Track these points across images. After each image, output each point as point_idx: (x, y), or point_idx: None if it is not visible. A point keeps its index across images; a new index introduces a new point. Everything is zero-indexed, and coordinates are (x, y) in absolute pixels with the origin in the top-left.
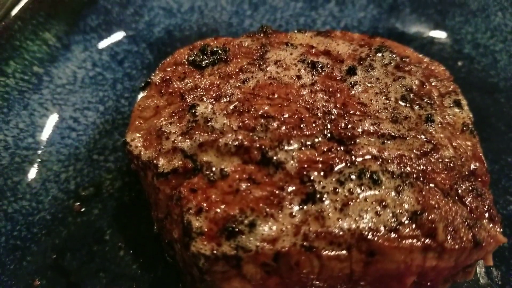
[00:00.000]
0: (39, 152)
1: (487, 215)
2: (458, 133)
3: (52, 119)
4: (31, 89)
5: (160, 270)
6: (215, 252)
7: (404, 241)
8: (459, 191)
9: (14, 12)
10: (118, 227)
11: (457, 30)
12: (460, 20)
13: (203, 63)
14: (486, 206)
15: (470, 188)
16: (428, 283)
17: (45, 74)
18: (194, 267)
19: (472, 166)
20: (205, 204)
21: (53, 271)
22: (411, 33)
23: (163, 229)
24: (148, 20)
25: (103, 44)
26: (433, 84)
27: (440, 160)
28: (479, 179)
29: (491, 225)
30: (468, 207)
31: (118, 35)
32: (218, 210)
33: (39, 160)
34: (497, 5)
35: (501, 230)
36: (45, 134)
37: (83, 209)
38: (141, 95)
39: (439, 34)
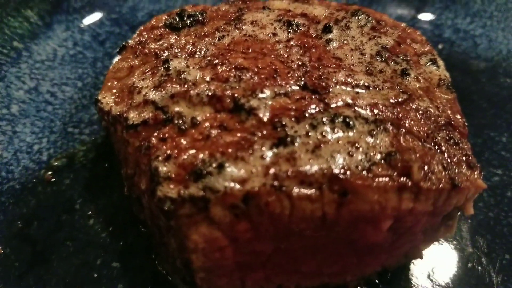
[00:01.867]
0: (13, 123)
1: (465, 162)
2: (434, 88)
3: (29, 93)
4: (9, 63)
5: (131, 238)
6: (182, 194)
7: (377, 180)
8: (436, 139)
9: None
10: (89, 197)
11: (438, 15)
12: (440, 6)
13: (179, 25)
14: (465, 154)
15: (447, 137)
16: (407, 233)
17: (25, 50)
18: (160, 218)
19: (449, 118)
20: (174, 151)
21: (19, 240)
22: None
23: (132, 186)
24: (132, 5)
25: (85, 25)
26: (409, 44)
27: (415, 109)
28: (457, 131)
29: (469, 172)
30: (446, 154)
31: (101, 18)
32: (187, 155)
33: (12, 131)
34: (472, 16)
35: (481, 177)
36: (20, 106)
37: (54, 179)
38: (116, 59)
39: (419, 20)
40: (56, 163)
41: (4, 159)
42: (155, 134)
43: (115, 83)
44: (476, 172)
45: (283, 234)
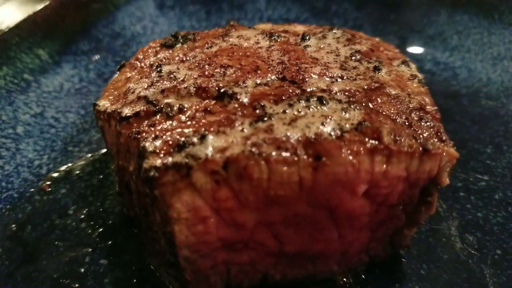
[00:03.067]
0: (17, 142)
1: (437, 136)
2: (406, 82)
3: (34, 117)
4: (19, 91)
5: (121, 238)
6: (165, 162)
7: (349, 143)
8: (407, 118)
9: (13, 28)
10: (83, 204)
11: (418, 53)
12: (419, 44)
13: (174, 43)
14: (436, 132)
15: (419, 118)
16: (385, 204)
17: (34, 82)
18: (146, 194)
19: (421, 104)
20: (161, 132)
21: (11, 241)
22: None
23: (123, 177)
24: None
25: (91, 65)
26: (382, 51)
27: (387, 94)
28: (429, 114)
29: (441, 143)
30: (417, 129)
31: (106, 59)
32: (173, 133)
33: (16, 148)
34: (452, 29)
35: (454, 149)
36: (25, 128)
37: (50, 189)
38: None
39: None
40: (53, 175)
41: (6, 171)
42: (145, 122)
43: (113, 91)
44: (448, 143)
45: (263, 204)
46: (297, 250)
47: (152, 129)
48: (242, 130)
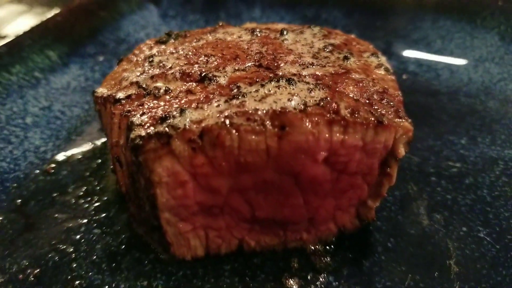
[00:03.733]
0: (25, 130)
1: (394, 112)
2: (373, 69)
3: (43, 110)
4: (29, 86)
5: (113, 212)
6: (148, 132)
7: (310, 115)
8: (369, 99)
9: (27, 32)
10: (82, 183)
11: (402, 55)
12: (404, 47)
13: (167, 40)
14: (395, 110)
15: (380, 98)
16: (345, 172)
17: (43, 79)
18: (133, 162)
19: (385, 88)
20: (148, 109)
21: (15, 213)
22: None
23: (116, 153)
24: None
25: (97, 66)
26: (354, 45)
27: (352, 79)
28: (391, 97)
29: (397, 117)
30: (376, 107)
31: (111, 62)
32: (158, 110)
33: (24, 136)
34: (435, 35)
35: (410, 123)
36: (34, 119)
37: (53, 170)
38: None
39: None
40: (57, 159)
41: (14, 155)
42: (135, 103)
43: (110, 81)
44: (404, 119)
45: (235, 170)
46: (267, 215)
47: (141, 107)
48: (217, 106)
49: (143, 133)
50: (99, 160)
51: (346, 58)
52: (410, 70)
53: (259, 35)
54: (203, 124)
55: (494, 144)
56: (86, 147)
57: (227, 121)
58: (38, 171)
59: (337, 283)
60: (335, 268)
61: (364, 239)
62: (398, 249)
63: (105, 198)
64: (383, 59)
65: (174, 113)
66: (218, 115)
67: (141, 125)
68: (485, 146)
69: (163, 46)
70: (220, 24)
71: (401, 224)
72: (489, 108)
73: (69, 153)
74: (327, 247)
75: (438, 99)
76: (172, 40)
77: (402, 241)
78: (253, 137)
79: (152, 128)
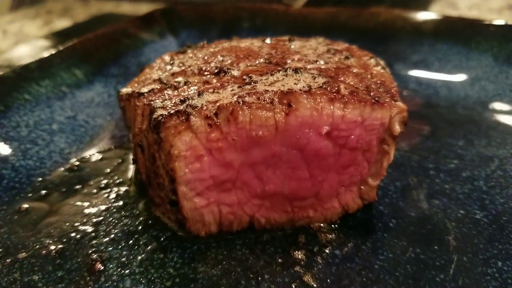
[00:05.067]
0: (52, 135)
1: (390, 96)
2: (371, 67)
3: (68, 118)
4: (56, 98)
5: (132, 200)
6: (169, 111)
7: (314, 94)
8: (367, 87)
9: (57, 53)
10: (103, 177)
11: (402, 75)
12: (405, 69)
13: (186, 50)
14: (391, 95)
15: (378, 87)
16: (346, 146)
17: (70, 93)
18: (154, 141)
19: (382, 81)
20: (169, 97)
21: (40, 201)
22: None
23: (137, 142)
24: None
25: (120, 85)
26: (355, 52)
27: (352, 72)
28: (388, 87)
29: (392, 100)
30: (373, 93)
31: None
32: (178, 96)
33: (50, 139)
34: (433, 57)
35: (405, 107)
36: (60, 126)
37: (76, 168)
38: None
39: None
40: (81, 159)
41: (40, 155)
42: (158, 95)
43: (133, 83)
44: (398, 101)
45: (246, 144)
46: (276, 189)
47: (162, 96)
48: (232, 90)
49: (164, 112)
50: (120, 160)
51: (347, 57)
52: (410, 88)
53: (269, 42)
54: (218, 103)
55: (489, 145)
56: (108, 150)
57: (240, 100)
58: (62, 168)
59: (342, 255)
60: (340, 243)
61: (367, 220)
62: (399, 228)
63: (125, 189)
64: (381, 62)
65: (193, 95)
66: (232, 96)
67: (162, 107)
68: (481, 147)
69: (183, 55)
70: (234, 38)
71: (402, 208)
72: (485, 117)
73: (91, 154)
74: (332, 225)
75: (437, 110)
76: (191, 50)
77: (403, 221)
78: (263, 113)
79: (173, 107)
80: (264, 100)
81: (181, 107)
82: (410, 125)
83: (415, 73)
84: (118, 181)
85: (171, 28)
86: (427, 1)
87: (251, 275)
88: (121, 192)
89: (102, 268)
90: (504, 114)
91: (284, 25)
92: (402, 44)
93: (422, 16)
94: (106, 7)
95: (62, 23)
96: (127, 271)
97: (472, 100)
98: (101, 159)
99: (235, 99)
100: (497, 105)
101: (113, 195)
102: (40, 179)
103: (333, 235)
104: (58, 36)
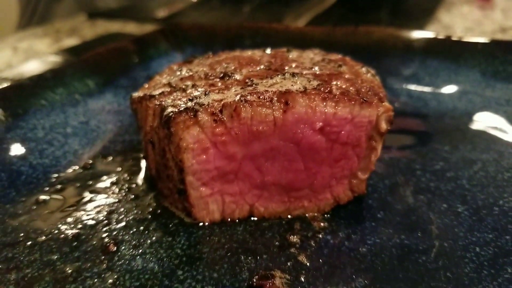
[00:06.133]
0: (66, 138)
1: (377, 97)
2: (362, 74)
3: (81, 123)
4: (70, 105)
5: (142, 194)
6: (179, 108)
7: (309, 94)
8: (358, 90)
9: (70, 64)
10: (115, 174)
11: (394, 88)
12: (396, 83)
13: (192, 60)
14: (379, 98)
15: (367, 90)
16: (338, 141)
17: (82, 101)
18: (164, 136)
19: (372, 86)
20: (179, 98)
21: (55, 194)
22: None
23: (148, 140)
24: None
25: (129, 96)
26: (348, 62)
27: (343, 78)
28: (376, 91)
29: (379, 101)
30: (362, 94)
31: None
32: (187, 96)
33: (65, 141)
34: (423, 72)
35: (391, 107)
36: (73, 130)
37: (89, 166)
38: None
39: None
40: (94, 158)
41: (56, 155)
42: (168, 96)
43: (144, 88)
44: (385, 101)
45: (248, 138)
46: (274, 180)
47: (172, 97)
48: (235, 91)
49: (174, 109)
50: (130, 160)
51: (340, 66)
52: (402, 100)
53: (269, 52)
54: (223, 102)
55: (474, 150)
56: (118, 151)
57: (243, 99)
58: (76, 167)
59: (333, 240)
60: (331, 230)
61: (357, 211)
62: (386, 219)
63: (135, 184)
64: (371, 71)
65: (200, 95)
66: (235, 95)
67: (172, 105)
68: (466, 151)
69: (190, 64)
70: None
71: (390, 202)
72: (472, 126)
73: (103, 155)
74: (325, 215)
75: (426, 120)
76: (198, 60)
77: (390, 213)
78: (263, 110)
79: (182, 105)
80: (264, 99)
81: (190, 105)
82: (400, 133)
83: (407, 86)
84: (128, 177)
85: (177, 45)
86: (421, 25)
87: (250, 255)
88: (132, 186)
89: (115, 249)
90: (489, 124)
91: (284, 42)
92: (394, 60)
93: (414, 34)
94: (113, 27)
95: (71, 41)
96: (139, 251)
97: (459, 111)
98: (113, 159)
99: (238, 98)
100: (483, 116)
101: (124, 189)
102: (56, 175)
103: (326, 223)
104: (67, 53)
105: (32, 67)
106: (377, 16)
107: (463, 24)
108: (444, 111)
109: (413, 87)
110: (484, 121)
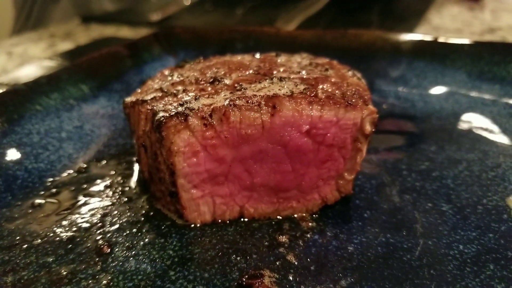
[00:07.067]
0: (61, 142)
1: (362, 100)
2: (348, 77)
3: (76, 128)
4: (64, 110)
5: (135, 197)
6: (170, 112)
7: (295, 98)
8: (343, 94)
9: (64, 69)
10: (108, 178)
11: (382, 90)
12: (384, 85)
13: (184, 65)
14: (364, 100)
15: (352, 93)
16: (324, 143)
17: (77, 106)
18: (156, 140)
19: (357, 89)
20: (170, 102)
21: (51, 198)
22: None
23: (141, 143)
24: None
25: (122, 100)
26: (335, 65)
27: (329, 81)
28: (361, 94)
29: (364, 104)
30: (348, 97)
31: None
32: (178, 101)
33: (60, 146)
34: (411, 74)
35: (375, 110)
36: (68, 134)
37: (84, 170)
38: None
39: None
40: (88, 162)
41: (50, 159)
42: (159, 101)
43: (136, 93)
44: (370, 104)
45: (237, 141)
46: (263, 182)
47: (163, 102)
48: (224, 95)
49: (166, 114)
50: (123, 164)
51: (326, 69)
52: (389, 102)
53: (258, 57)
54: (212, 106)
55: (459, 150)
56: (112, 155)
57: (232, 103)
58: (71, 171)
59: (321, 239)
60: (319, 230)
61: (344, 211)
62: (373, 218)
63: (128, 187)
64: (358, 74)
65: (190, 100)
66: (224, 100)
67: (164, 110)
68: (451, 151)
69: (181, 69)
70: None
71: (376, 201)
72: (457, 127)
73: (97, 159)
74: (313, 215)
75: (413, 120)
76: (189, 65)
77: (376, 213)
78: (252, 114)
79: (173, 110)
80: (252, 103)
81: (180, 109)
82: (387, 134)
83: (394, 88)
84: (122, 180)
85: (169, 49)
86: (411, 26)
87: (240, 255)
88: (125, 190)
89: (109, 251)
90: (475, 124)
91: (275, 45)
92: (382, 62)
93: (401, 36)
94: (107, 31)
95: (65, 46)
96: (132, 253)
97: (446, 112)
98: (107, 163)
99: (227, 102)
100: (469, 116)
101: (118, 192)
102: (51, 179)
103: (314, 223)
104: (62, 58)
105: (27, 72)
106: (368, 18)
107: (452, 25)
108: (431, 112)
109: (400, 88)
110: (470, 121)
